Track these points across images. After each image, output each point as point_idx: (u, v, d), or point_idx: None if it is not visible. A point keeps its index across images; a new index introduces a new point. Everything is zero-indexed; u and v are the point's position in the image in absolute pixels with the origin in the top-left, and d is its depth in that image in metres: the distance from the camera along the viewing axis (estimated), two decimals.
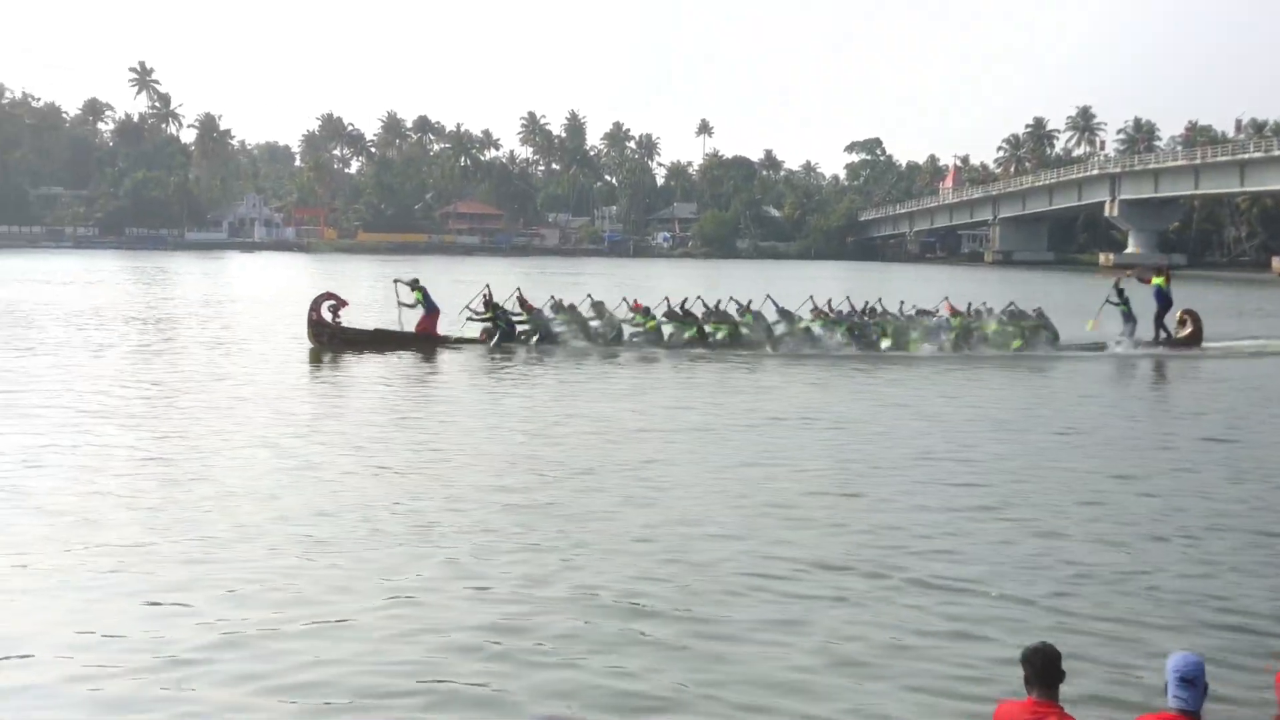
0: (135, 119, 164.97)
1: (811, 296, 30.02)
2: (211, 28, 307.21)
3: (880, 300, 30.41)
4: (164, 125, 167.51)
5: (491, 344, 27.85)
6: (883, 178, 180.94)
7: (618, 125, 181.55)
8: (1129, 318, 29.81)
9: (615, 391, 20.65)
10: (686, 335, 28.30)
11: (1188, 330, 30.25)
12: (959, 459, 14.57)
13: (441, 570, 9.47)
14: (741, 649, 7.87)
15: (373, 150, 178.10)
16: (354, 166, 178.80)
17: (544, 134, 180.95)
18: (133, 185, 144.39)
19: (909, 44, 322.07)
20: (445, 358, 26.02)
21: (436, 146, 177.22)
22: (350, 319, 28.45)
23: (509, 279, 65.85)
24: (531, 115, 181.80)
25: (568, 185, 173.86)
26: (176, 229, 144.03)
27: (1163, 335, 30.07)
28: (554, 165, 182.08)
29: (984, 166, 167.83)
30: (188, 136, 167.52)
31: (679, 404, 19.20)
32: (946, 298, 31.92)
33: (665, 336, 28.30)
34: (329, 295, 28.02)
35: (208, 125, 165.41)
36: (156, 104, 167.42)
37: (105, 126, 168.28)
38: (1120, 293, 30.06)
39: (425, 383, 22.34)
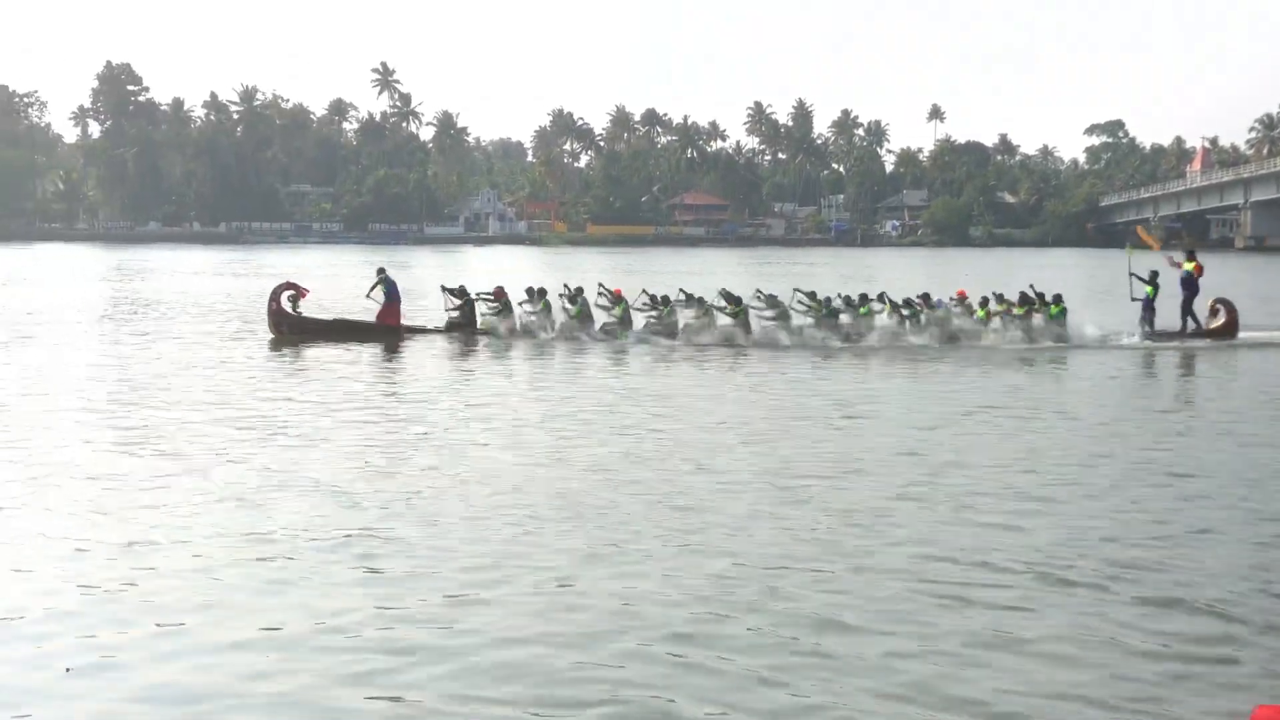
0: (377, 118, 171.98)
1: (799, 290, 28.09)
2: (449, 28, 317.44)
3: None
4: (404, 124, 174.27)
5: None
6: (1125, 161, 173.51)
7: (846, 113, 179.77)
8: (1149, 307, 27.16)
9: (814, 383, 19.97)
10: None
11: (1220, 320, 27.49)
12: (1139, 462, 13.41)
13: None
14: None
15: (601, 144, 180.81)
16: (583, 160, 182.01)
17: (770, 124, 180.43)
18: (375, 182, 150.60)
19: (1151, 21, 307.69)
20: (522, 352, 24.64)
21: (663, 139, 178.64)
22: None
23: (733, 270, 65.85)
24: (758, 105, 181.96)
25: (794, 174, 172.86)
26: (416, 224, 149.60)
27: (1191, 326, 27.38)
28: (780, 155, 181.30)
29: (1235, 148, 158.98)
30: (426, 134, 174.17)
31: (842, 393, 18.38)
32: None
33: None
34: (289, 285, 27.30)
35: (445, 123, 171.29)
36: (397, 103, 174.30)
37: (349, 126, 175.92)
38: (1155, 274, 27.23)
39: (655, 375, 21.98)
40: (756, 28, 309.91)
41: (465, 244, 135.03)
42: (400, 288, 27.98)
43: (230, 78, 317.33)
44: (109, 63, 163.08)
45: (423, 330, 27.20)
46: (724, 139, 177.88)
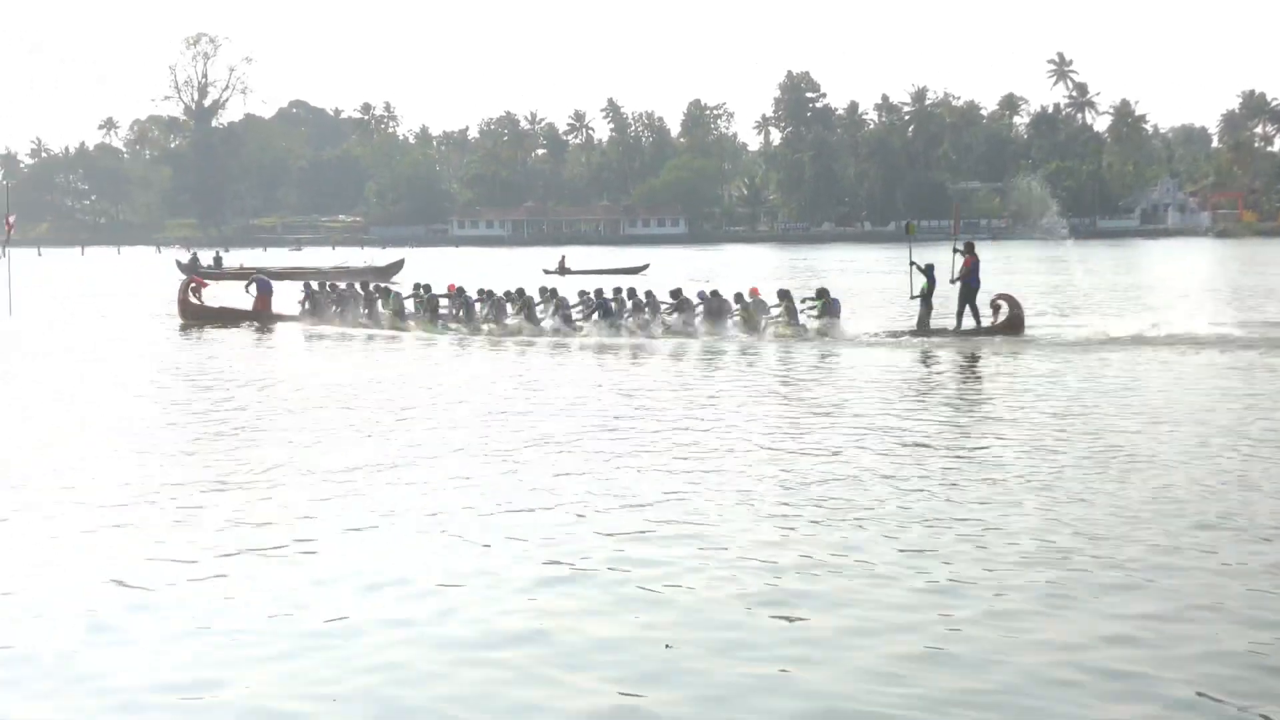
0: (1050, 110, 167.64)
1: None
2: (1130, 13, 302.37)
3: None
4: (1078, 115, 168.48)
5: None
6: None
7: None
8: (927, 301, 25.91)
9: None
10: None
11: (1002, 316, 25.41)
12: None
13: None
14: None
15: None
16: (1277, 145, 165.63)
17: None
18: (1046, 176, 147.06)
19: None
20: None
21: None
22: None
23: None
24: None
25: None
26: (1088, 217, 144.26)
27: (971, 323, 25.48)
28: None
29: None
30: (1101, 124, 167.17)
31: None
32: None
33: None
34: (194, 279, 34.51)
35: (1122, 111, 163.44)
36: (1073, 93, 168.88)
37: (1020, 120, 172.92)
38: (931, 267, 25.87)
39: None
40: None
41: (1135, 238, 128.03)
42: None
43: (903, 79, 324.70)
44: (789, 72, 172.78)
45: (283, 318, 32.17)
46: None
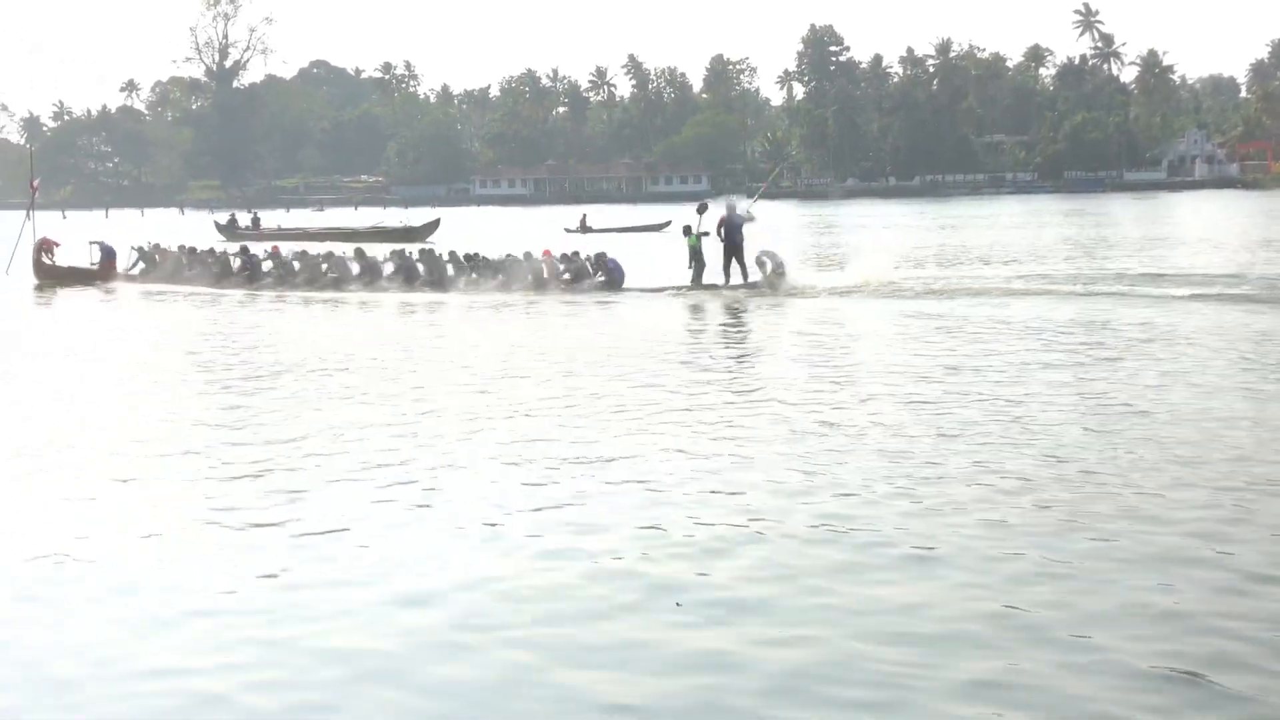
0: (1076, 61, 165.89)
1: None
2: None
3: None
4: (1104, 66, 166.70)
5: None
6: None
7: None
8: (698, 256, 27.23)
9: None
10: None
11: (768, 272, 26.72)
12: None
13: None
14: None
15: None
16: None
17: None
18: (1071, 129, 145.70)
19: None
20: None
21: None
22: None
23: None
24: None
25: None
26: (1114, 170, 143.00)
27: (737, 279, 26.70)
28: None
29: None
30: (1128, 75, 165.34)
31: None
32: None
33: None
34: (45, 242, 34.51)
35: (1149, 62, 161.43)
36: (1099, 44, 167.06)
37: (1046, 72, 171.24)
38: (687, 228, 27.86)
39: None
40: None
41: (1161, 190, 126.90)
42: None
43: (927, 32, 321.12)
44: (813, 25, 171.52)
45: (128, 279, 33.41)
46: None
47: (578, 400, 13.61)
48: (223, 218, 70.74)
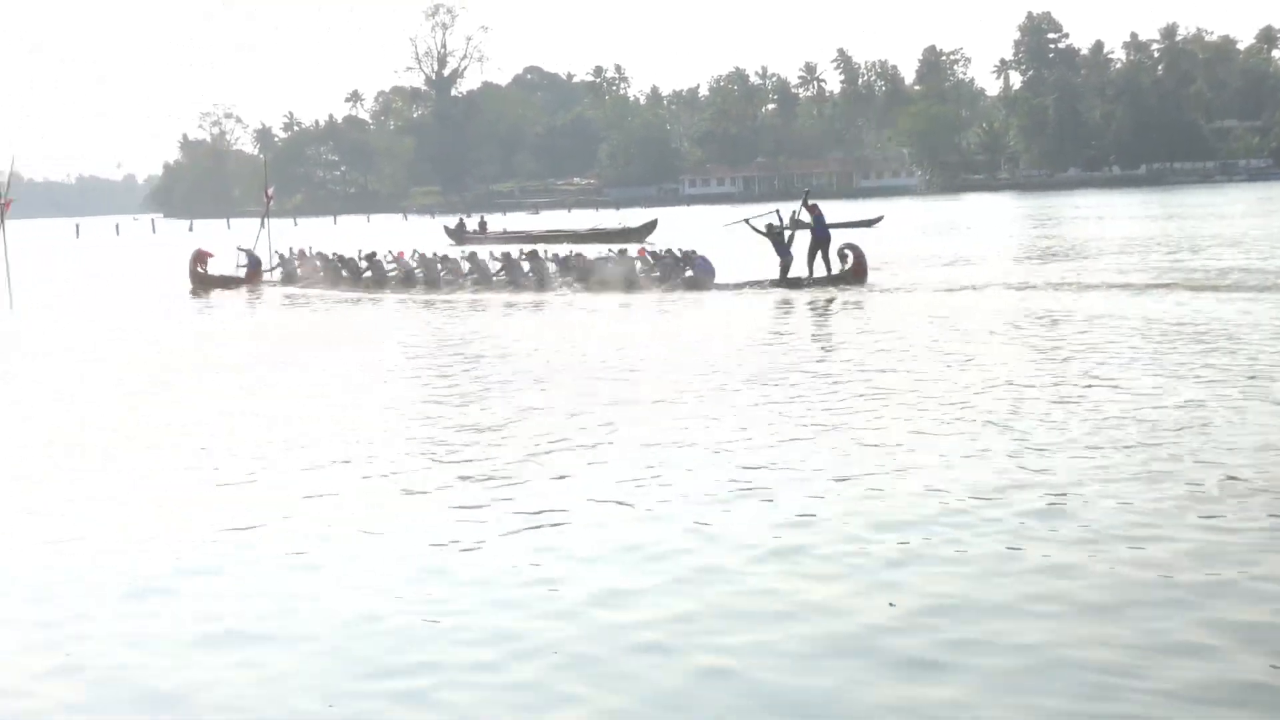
0: None
1: None
2: None
3: None
4: None
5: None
6: None
7: None
8: (787, 252, 27.45)
9: None
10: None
11: (850, 264, 27.43)
12: None
13: None
14: None
15: None
16: None
17: None
18: None
19: None
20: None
21: None
22: None
23: None
24: None
25: None
26: None
27: (821, 271, 27.31)
28: None
29: None
30: None
31: None
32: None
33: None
34: (201, 253, 36.57)
35: None
36: None
37: (1279, 54, 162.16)
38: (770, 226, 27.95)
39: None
40: None
41: None
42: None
43: (1151, 16, 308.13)
44: (1030, 13, 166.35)
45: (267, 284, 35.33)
46: None
47: (767, 396, 13.61)
48: (451, 222, 72.36)
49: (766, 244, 28.19)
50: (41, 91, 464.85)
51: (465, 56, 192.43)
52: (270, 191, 40.67)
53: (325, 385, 16.01)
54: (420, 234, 67.52)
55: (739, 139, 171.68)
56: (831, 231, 27.77)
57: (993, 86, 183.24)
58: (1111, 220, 57.48)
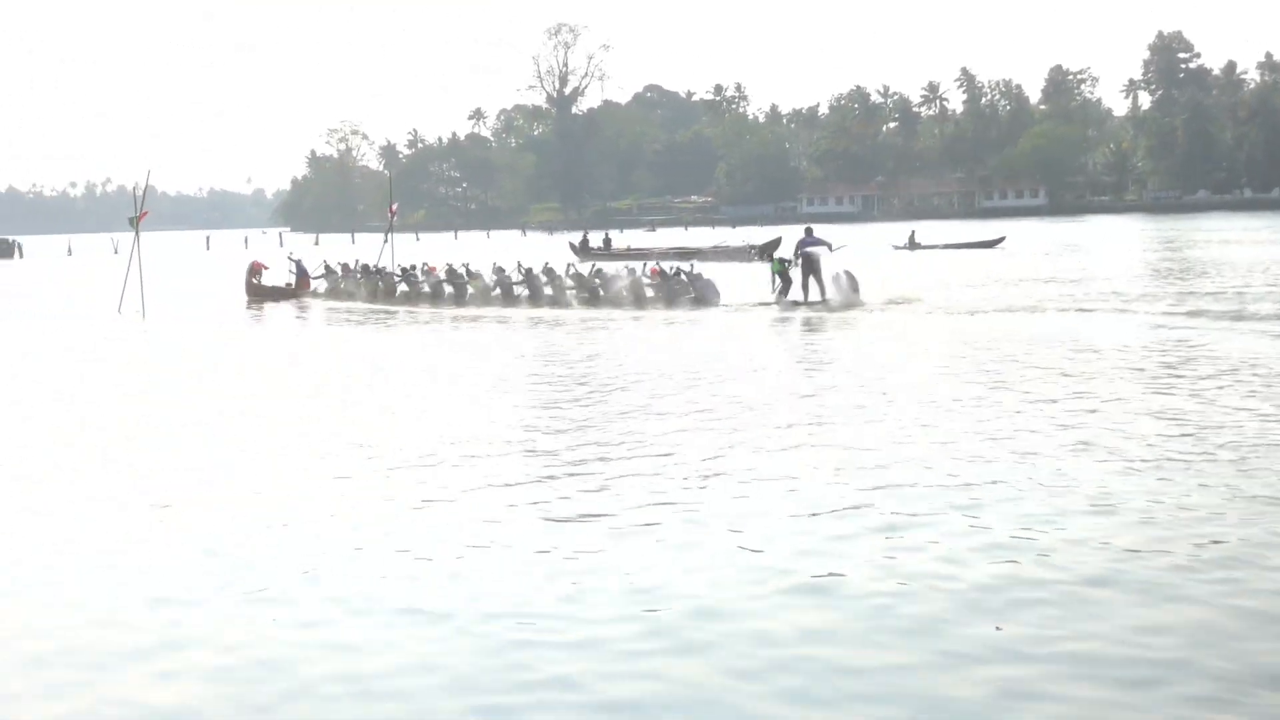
0: None
1: None
2: None
3: None
4: None
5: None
6: None
7: None
8: (786, 278, 29.09)
9: None
10: None
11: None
12: None
13: None
14: None
15: None
16: None
17: None
18: None
19: None
20: None
21: None
22: None
23: None
24: None
25: None
26: None
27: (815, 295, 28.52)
28: None
29: None
30: None
31: None
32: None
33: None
34: (256, 265, 38.23)
35: None
36: None
37: None
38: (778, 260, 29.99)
39: None
40: None
41: None
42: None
43: None
44: (1160, 32, 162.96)
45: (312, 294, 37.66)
46: None
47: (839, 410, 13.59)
48: (576, 238, 72.35)
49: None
50: (175, 106, 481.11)
51: (586, 75, 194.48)
52: (394, 207, 41.58)
53: (430, 397, 16.39)
54: (543, 249, 68.21)
55: (859, 157, 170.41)
56: (821, 254, 28.80)
57: (1120, 107, 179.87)
58: (1242, 245, 55.88)
